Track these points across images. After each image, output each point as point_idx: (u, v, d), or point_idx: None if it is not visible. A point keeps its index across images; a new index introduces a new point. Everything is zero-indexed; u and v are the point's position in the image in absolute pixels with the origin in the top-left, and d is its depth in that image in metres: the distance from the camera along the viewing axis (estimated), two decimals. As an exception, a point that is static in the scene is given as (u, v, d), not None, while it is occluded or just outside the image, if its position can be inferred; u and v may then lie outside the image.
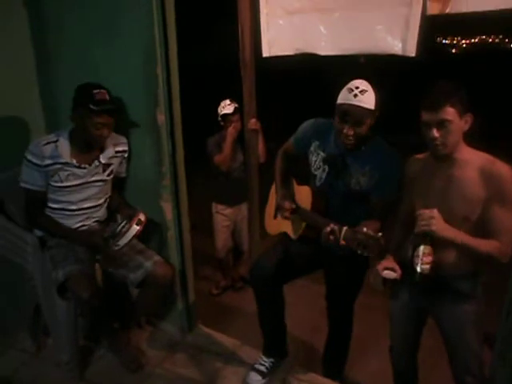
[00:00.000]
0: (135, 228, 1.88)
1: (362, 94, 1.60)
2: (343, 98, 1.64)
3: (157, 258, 2.05)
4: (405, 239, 1.66)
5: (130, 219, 1.91)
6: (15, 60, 2.18)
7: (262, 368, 2.09)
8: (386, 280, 1.55)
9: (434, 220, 1.42)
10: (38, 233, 2.03)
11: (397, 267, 1.56)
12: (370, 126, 1.67)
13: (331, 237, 1.58)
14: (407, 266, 1.55)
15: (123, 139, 2.08)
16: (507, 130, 6.58)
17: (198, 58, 7.52)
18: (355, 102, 1.60)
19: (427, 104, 1.44)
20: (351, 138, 1.65)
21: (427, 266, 1.44)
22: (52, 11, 2.16)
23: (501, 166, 1.43)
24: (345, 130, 1.64)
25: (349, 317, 2.05)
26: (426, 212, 1.44)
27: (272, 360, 2.11)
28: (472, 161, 1.47)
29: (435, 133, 1.44)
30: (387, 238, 1.50)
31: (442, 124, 1.42)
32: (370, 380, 2.22)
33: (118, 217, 2.12)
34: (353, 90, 1.61)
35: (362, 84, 1.63)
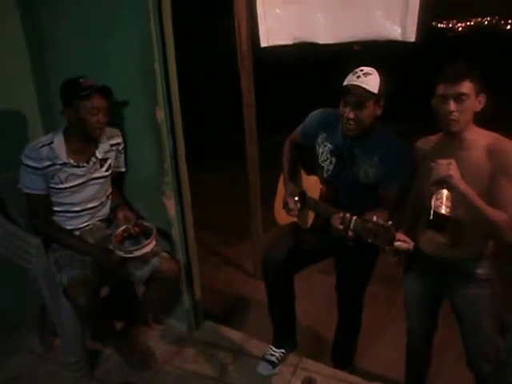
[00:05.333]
0: (153, 243, 1.89)
1: (364, 76, 1.61)
2: (347, 80, 1.65)
3: (163, 253, 2.04)
4: (415, 221, 1.64)
5: (149, 234, 1.92)
6: (9, 56, 2.16)
7: (273, 358, 2.09)
8: (398, 251, 1.53)
9: (451, 166, 1.38)
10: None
11: (409, 239, 1.53)
12: (376, 116, 1.65)
13: (340, 225, 1.56)
14: (418, 251, 1.53)
15: (117, 131, 2.06)
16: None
17: (195, 51, 7.45)
18: (357, 82, 1.61)
19: (446, 76, 1.42)
20: (351, 122, 1.63)
21: (449, 210, 1.36)
22: (46, 7, 2.12)
23: (507, 143, 1.41)
24: (345, 113, 1.63)
25: (359, 306, 2.04)
26: (444, 160, 1.40)
27: (282, 351, 2.11)
28: (479, 141, 1.45)
29: (452, 106, 1.41)
30: (397, 225, 1.47)
31: (459, 97, 1.40)
32: (380, 369, 2.22)
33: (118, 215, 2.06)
34: (357, 72, 1.63)
35: (367, 68, 1.63)
